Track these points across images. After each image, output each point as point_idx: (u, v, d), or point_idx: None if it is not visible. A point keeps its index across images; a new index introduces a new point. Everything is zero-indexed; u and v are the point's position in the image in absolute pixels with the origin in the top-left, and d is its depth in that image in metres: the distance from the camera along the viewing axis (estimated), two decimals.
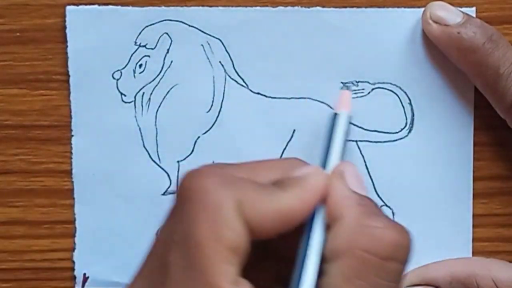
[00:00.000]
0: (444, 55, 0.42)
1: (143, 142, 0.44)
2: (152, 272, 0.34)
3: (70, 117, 0.44)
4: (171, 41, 0.43)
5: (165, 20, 0.43)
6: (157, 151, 0.44)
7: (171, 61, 0.43)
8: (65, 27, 0.43)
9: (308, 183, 0.35)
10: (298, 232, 0.35)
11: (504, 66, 0.40)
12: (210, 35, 0.43)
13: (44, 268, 0.45)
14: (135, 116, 0.44)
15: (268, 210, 0.33)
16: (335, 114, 0.40)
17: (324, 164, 0.37)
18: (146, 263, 0.35)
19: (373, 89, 0.43)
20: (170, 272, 0.32)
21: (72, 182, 0.44)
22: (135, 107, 0.44)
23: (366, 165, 0.44)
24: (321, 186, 0.35)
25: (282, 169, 0.36)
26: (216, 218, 0.32)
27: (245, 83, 0.44)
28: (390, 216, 0.44)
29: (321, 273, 0.33)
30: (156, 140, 0.44)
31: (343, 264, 0.33)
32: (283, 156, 0.44)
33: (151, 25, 0.43)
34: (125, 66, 0.43)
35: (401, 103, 0.43)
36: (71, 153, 0.44)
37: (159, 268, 0.33)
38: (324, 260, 0.34)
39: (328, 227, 0.34)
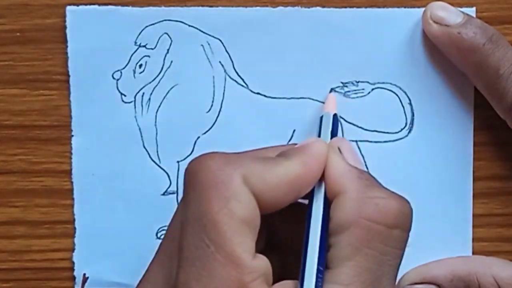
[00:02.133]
0: (444, 55, 0.42)
1: (143, 142, 0.44)
2: (167, 257, 0.34)
3: (70, 117, 0.44)
4: (171, 41, 0.43)
5: (165, 20, 0.43)
6: (157, 151, 0.44)
7: (171, 61, 0.43)
8: (65, 27, 0.43)
9: (311, 149, 0.35)
10: (300, 223, 0.36)
11: (504, 67, 0.40)
12: (210, 35, 0.43)
13: (44, 268, 0.45)
14: (135, 116, 0.44)
15: (275, 179, 0.34)
16: (321, 116, 0.41)
17: None
18: (161, 249, 0.35)
19: (373, 89, 0.43)
20: (184, 253, 0.32)
21: (72, 182, 0.44)
22: (135, 107, 0.44)
23: (366, 165, 0.44)
24: (324, 152, 0.36)
25: (284, 149, 0.37)
26: (226, 194, 0.32)
27: (245, 83, 0.44)
28: None
29: (327, 247, 0.34)
30: (156, 140, 0.44)
31: (350, 235, 0.33)
32: None
33: (151, 25, 0.43)
34: (125, 66, 0.43)
35: (401, 103, 0.43)
36: (71, 153, 0.44)
37: (174, 252, 0.33)
38: (329, 234, 0.34)
39: (329, 202, 0.35)
